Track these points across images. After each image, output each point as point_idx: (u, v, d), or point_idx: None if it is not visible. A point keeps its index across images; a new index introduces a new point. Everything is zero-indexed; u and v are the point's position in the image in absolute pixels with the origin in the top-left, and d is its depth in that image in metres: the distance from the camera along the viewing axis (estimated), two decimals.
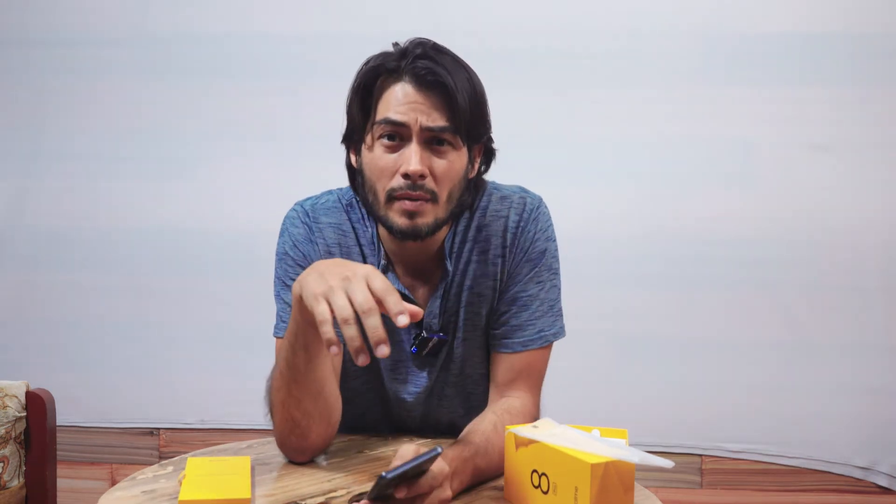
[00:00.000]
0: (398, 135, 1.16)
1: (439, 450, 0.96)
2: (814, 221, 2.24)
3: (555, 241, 1.30)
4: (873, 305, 2.23)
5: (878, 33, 2.20)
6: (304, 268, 1.24)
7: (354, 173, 1.25)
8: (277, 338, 1.26)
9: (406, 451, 0.99)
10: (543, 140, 2.27)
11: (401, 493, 0.94)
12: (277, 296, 1.27)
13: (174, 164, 2.41)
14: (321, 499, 1.06)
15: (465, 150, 1.19)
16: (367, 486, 1.09)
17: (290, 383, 1.11)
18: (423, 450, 0.99)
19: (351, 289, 0.94)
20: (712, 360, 2.27)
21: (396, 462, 0.97)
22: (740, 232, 2.25)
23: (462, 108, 1.15)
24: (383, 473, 0.91)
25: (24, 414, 1.55)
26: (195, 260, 2.40)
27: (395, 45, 1.20)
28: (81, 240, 2.44)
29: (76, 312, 2.45)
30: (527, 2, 2.29)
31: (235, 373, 2.34)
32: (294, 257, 1.26)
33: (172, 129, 2.41)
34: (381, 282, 0.94)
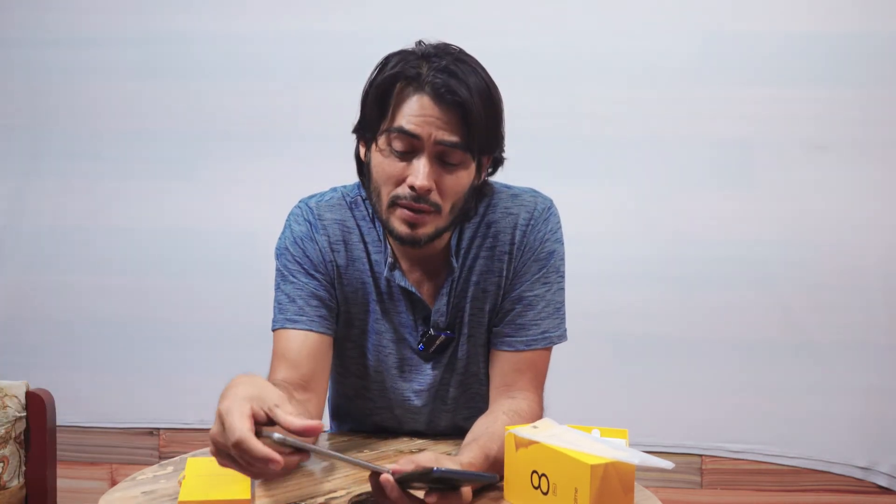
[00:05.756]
0: (410, 145, 1.16)
1: (496, 478, 1.04)
2: (813, 221, 2.23)
3: (563, 244, 1.30)
4: (873, 305, 2.23)
5: (878, 33, 2.20)
6: (301, 265, 1.25)
7: (362, 165, 1.26)
8: (274, 331, 1.27)
9: (426, 458, 0.99)
10: (542, 139, 2.27)
11: (431, 499, 0.95)
12: (277, 288, 1.28)
13: (174, 164, 2.41)
14: (321, 499, 1.06)
15: (474, 164, 1.20)
16: (367, 487, 1.09)
17: None
18: (444, 459, 1.01)
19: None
20: (712, 360, 2.27)
21: (404, 463, 0.97)
22: (740, 232, 2.25)
23: (477, 127, 1.15)
24: (434, 468, 0.91)
25: (24, 414, 1.55)
26: (195, 260, 2.40)
27: (419, 43, 1.20)
28: (81, 240, 2.44)
29: (76, 312, 2.45)
30: (527, 1, 2.29)
31: (235, 373, 2.33)
32: (294, 253, 1.27)
33: (172, 129, 2.41)
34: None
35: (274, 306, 1.28)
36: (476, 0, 2.30)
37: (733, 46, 2.23)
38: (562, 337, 1.29)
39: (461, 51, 1.20)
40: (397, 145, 1.16)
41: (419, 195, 1.15)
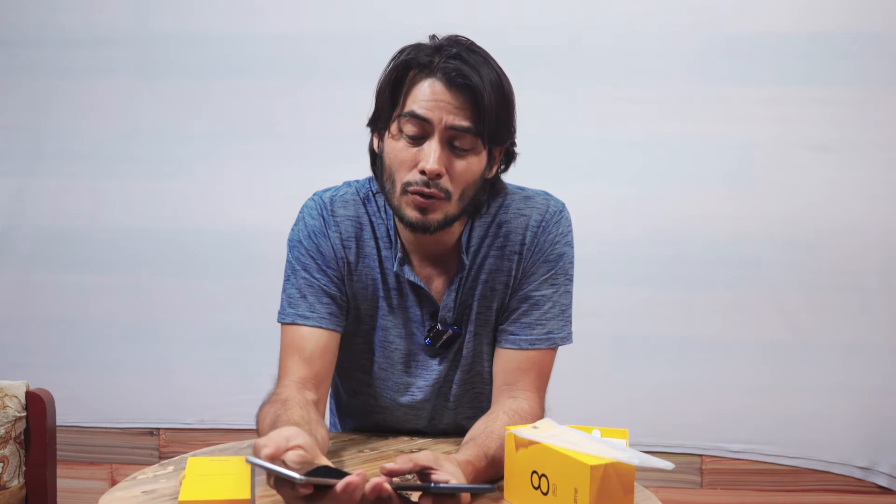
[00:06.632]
0: (421, 129, 1.17)
1: (495, 489, 1.03)
2: (814, 221, 2.23)
3: (573, 247, 1.31)
4: (873, 305, 2.23)
5: (878, 33, 2.20)
6: (314, 259, 1.26)
7: (375, 157, 1.26)
8: (283, 323, 1.27)
9: (425, 458, 0.99)
10: (543, 139, 2.27)
11: (426, 502, 0.96)
12: (287, 280, 1.29)
13: (174, 164, 2.41)
14: None
15: (485, 152, 1.21)
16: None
17: None
18: (443, 458, 1.01)
19: None
20: (712, 360, 2.27)
21: (403, 461, 0.98)
22: (740, 232, 2.25)
23: (487, 112, 1.16)
24: (432, 485, 0.96)
25: (24, 414, 1.55)
26: (195, 260, 2.40)
27: (432, 37, 1.22)
28: (81, 240, 2.44)
29: (76, 312, 2.45)
30: (527, 1, 2.28)
31: (235, 373, 2.34)
32: (307, 247, 1.28)
33: (172, 129, 2.40)
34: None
35: (282, 297, 1.28)
36: (476, 0, 2.30)
37: (733, 46, 2.23)
38: (566, 339, 1.30)
39: (472, 42, 1.22)
40: (409, 130, 1.17)
41: (430, 180, 1.16)
